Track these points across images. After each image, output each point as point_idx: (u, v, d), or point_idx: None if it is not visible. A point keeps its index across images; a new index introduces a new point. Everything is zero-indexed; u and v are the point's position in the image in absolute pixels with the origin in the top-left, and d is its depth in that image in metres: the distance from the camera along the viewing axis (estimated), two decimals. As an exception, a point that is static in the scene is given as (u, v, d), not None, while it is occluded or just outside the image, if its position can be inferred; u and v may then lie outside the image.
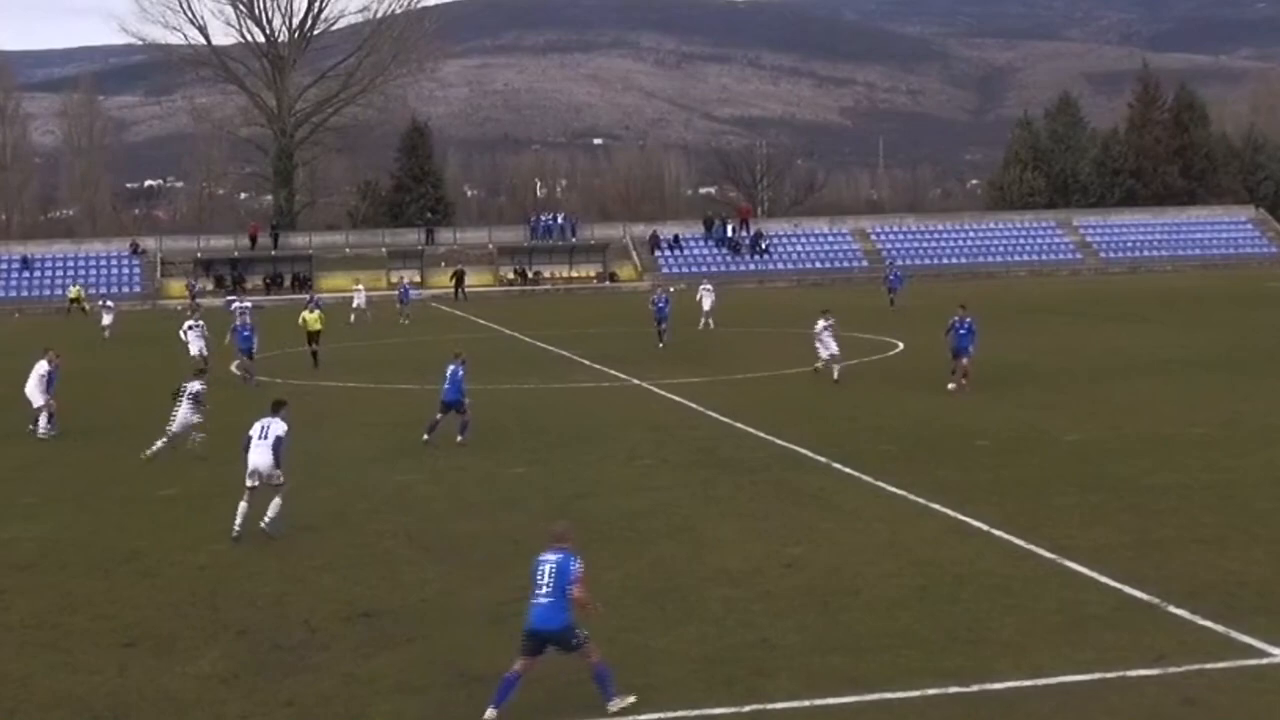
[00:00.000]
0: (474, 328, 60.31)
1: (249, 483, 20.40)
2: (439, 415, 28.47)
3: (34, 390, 30.85)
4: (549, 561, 13.21)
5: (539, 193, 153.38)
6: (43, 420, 30.79)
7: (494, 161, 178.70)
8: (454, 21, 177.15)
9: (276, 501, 20.32)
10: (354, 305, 67.34)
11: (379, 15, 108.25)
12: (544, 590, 13.09)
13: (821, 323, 36.78)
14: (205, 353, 41.23)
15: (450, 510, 22.37)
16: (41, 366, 30.81)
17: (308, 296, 54.16)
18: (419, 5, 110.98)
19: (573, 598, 13.05)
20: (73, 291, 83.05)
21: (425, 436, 28.48)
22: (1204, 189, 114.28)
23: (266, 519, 20.19)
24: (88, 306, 79.54)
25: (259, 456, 20.33)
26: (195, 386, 27.43)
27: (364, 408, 35.00)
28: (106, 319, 61.43)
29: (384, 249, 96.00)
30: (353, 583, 17.88)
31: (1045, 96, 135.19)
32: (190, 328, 43.31)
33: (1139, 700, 12.96)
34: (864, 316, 57.62)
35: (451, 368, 28.48)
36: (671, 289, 55.68)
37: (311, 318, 45.12)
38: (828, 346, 36.55)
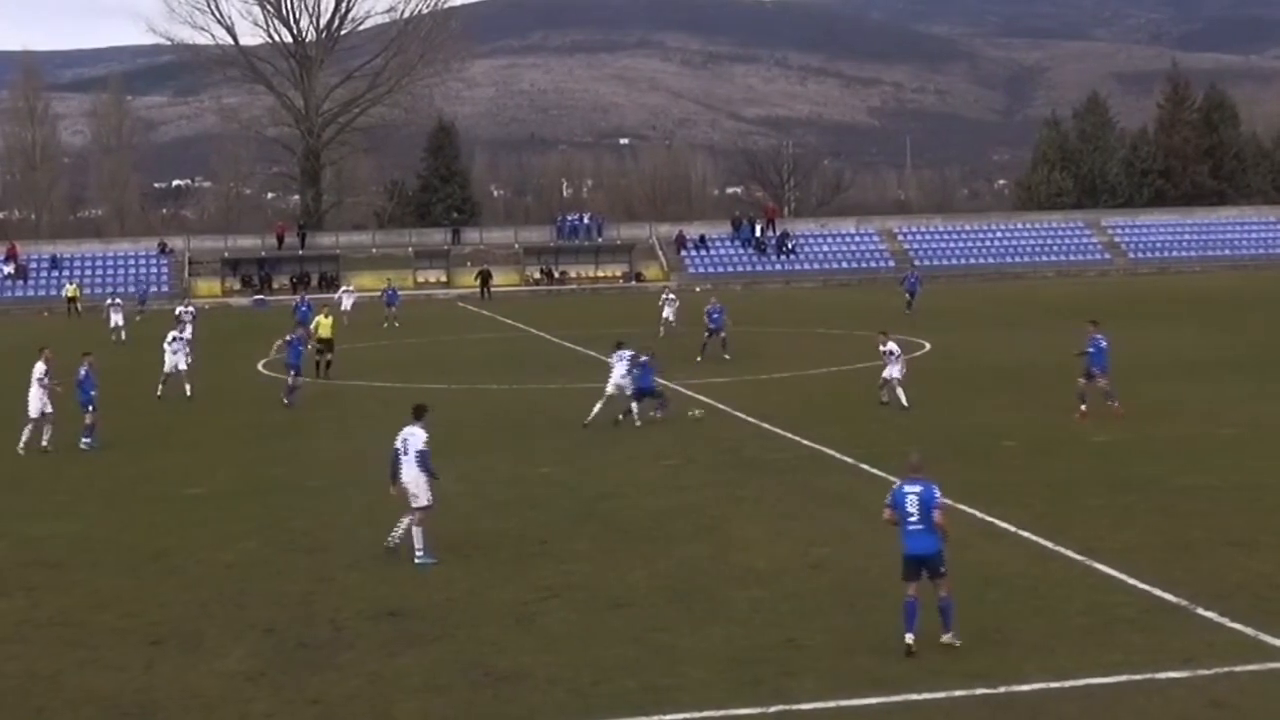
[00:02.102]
0: (500, 327, 60.36)
1: (410, 501, 19.20)
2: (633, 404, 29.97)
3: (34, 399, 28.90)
4: (913, 492, 14.66)
5: (565, 193, 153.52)
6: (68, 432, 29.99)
7: (520, 161, 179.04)
8: (480, 21, 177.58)
9: (416, 530, 18.91)
10: (341, 308, 65.43)
11: (406, 15, 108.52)
12: (914, 519, 14.61)
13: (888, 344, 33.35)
14: (181, 368, 38.63)
15: (476, 510, 22.40)
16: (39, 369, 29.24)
17: (336, 297, 51.67)
18: (446, 5, 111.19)
19: (936, 522, 14.48)
20: (69, 290, 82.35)
21: (621, 417, 29.96)
22: (1234, 189, 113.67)
23: (393, 539, 19.21)
24: (81, 307, 78.68)
25: (406, 473, 19.07)
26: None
27: (391, 407, 35.02)
28: (116, 319, 59.17)
29: (410, 249, 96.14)
30: (379, 581, 17.91)
31: (1074, 96, 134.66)
32: (174, 339, 40.72)
33: (1166, 703, 12.90)
34: (889, 318, 57.44)
35: (642, 359, 30.48)
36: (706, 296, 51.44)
37: (325, 323, 42.92)
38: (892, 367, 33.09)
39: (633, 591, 17.09)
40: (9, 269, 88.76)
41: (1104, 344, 30.27)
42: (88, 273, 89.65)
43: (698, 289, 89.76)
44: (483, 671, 14.28)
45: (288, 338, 36.60)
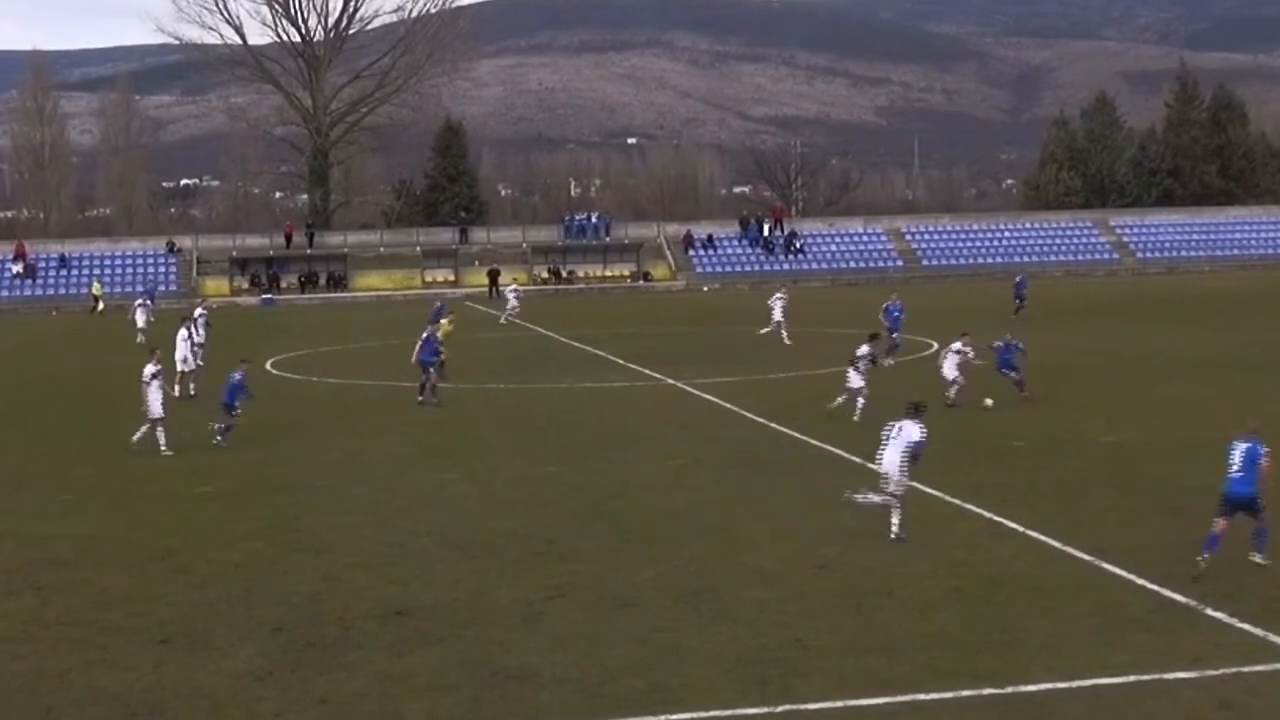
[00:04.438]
0: (508, 327, 60.37)
1: (870, 489, 19.64)
2: None
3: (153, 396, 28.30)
4: (1241, 446, 17.41)
5: (573, 192, 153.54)
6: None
7: (528, 161, 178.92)
8: (488, 21, 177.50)
9: (894, 512, 19.18)
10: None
11: (414, 15, 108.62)
12: (1236, 467, 17.30)
13: (956, 345, 32.47)
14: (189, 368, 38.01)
15: (484, 509, 22.40)
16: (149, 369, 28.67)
17: (438, 305, 47.84)
18: (453, 5, 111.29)
19: (1263, 468, 17.16)
20: (95, 288, 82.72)
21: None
22: (1242, 189, 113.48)
23: (893, 529, 19.20)
24: (103, 305, 79.00)
25: (887, 456, 19.41)
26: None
27: (400, 407, 35.07)
28: (141, 319, 57.04)
29: (418, 248, 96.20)
30: (387, 581, 17.92)
31: (1082, 96, 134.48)
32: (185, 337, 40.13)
33: (1174, 703, 12.88)
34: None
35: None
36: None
37: (448, 327, 41.55)
38: (951, 371, 32.26)
39: (640, 591, 17.09)
40: (17, 268, 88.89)
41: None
42: (95, 272, 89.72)
43: (705, 289, 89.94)
44: (490, 671, 14.28)
45: (424, 336, 35.51)
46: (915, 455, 19.41)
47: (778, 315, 49.32)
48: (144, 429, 28.20)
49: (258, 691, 13.96)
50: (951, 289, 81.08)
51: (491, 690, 13.75)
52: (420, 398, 34.56)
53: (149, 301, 60.81)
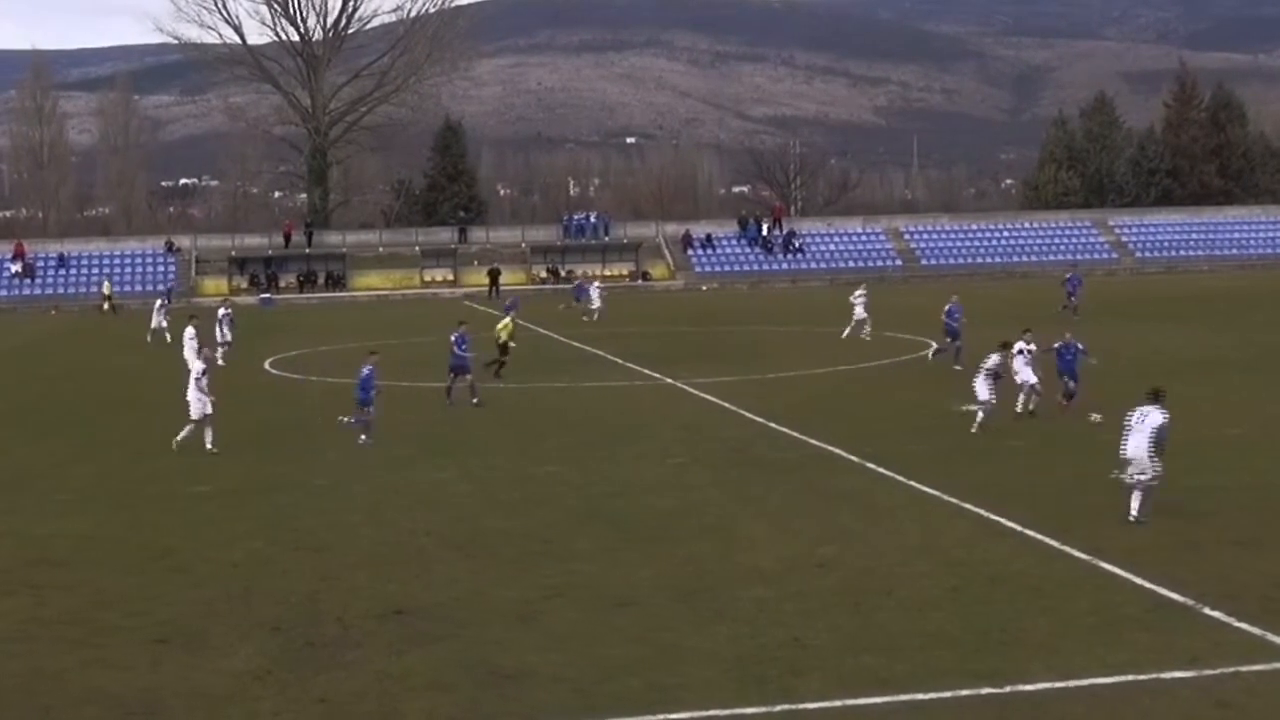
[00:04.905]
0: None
1: (1128, 473, 19.89)
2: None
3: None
4: None
5: (572, 191, 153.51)
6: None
7: (527, 160, 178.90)
8: (487, 20, 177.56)
9: (1138, 495, 19.62)
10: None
11: (413, 14, 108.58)
12: None
13: (1020, 345, 30.39)
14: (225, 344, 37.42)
15: (483, 508, 22.40)
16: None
17: (509, 302, 46.29)
18: (453, 4, 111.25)
19: None
20: (105, 288, 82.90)
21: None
22: (1241, 189, 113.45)
23: (1132, 513, 19.68)
24: (116, 305, 79.26)
25: (1134, 443, 19.71)
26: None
27: (398, 406, 35.06)
28: (157, 320, 55.01)
29: (417, 248, 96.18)
30: (385, 580, 17.92)
31: (1081, 96, 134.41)
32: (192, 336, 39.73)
33: (1172, 703, 12.88)
34: (897, 316, 57.46)
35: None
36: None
37: (507, 327, 40.55)
38: (1021, 374, 30.10)
39: (637, 590, 17.09)
40: (16, 268, 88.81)
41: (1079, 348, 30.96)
42: (94, 271, 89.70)
43: (704, 288, 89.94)
44: (488, 670, 14.28)
45: (454, 336, 34.82)
46: (1160, 441, 19.58)
47: (860, 313, 48.63)
48: (189, 428, 28.07)
49: (256, 691, 13.96)
50: (950, 289, 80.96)
51: (489, 689, 13.75)
52: (449, 401, 34.23)
53: (167, 301, 60.65)
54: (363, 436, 28.76)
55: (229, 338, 44.32)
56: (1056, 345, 30.89)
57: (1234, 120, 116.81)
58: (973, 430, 27.68)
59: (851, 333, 48.37)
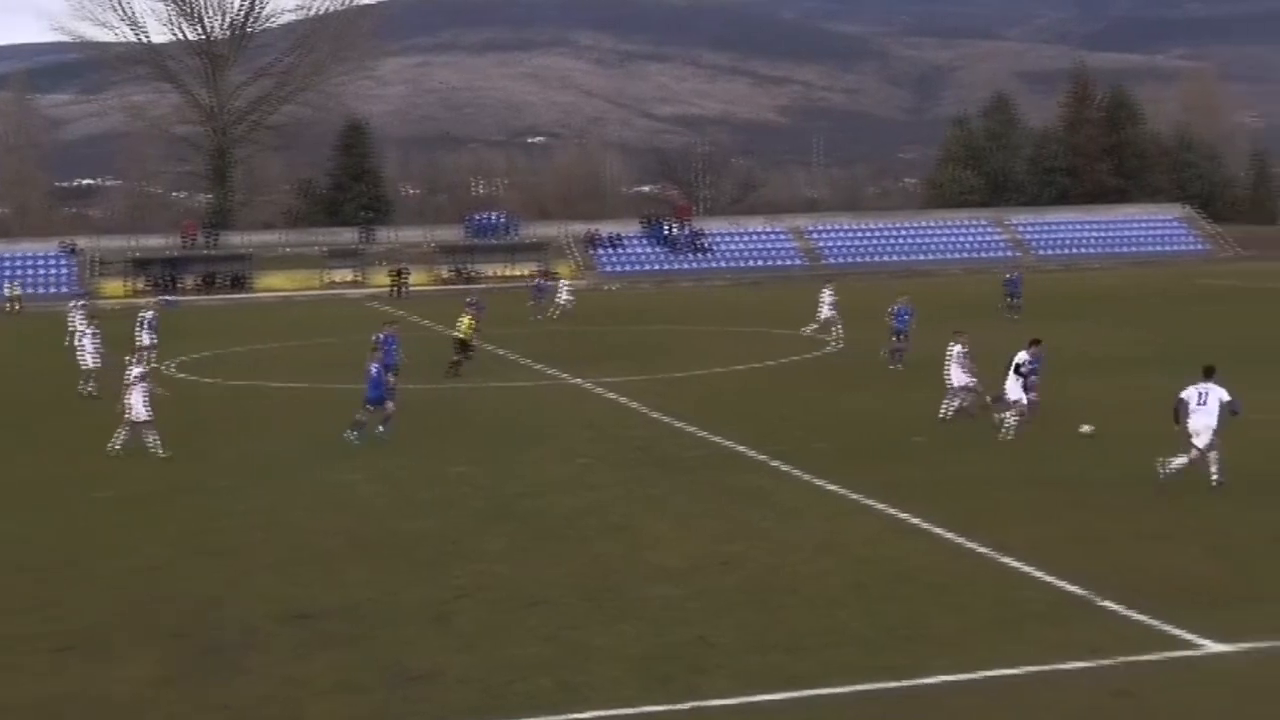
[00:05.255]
0: (412, 327, 60.03)
1: (1195, 443, 21.56)
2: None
3: None
4: None
5: (478, 191, 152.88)
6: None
7: (432, 160, 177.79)
8: (392, 19, 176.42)
9: (1215, 455, 21.54)
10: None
11: (316, 13, 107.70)
12: None
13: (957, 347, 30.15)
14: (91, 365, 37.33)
15: (391, 509, 22.31)
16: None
17: (471, 300, 46.66)
18: (356, 3, 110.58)
19: None
20: (11, 289, 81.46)
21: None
22: (1136, 187, 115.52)
23: (1214, 475, 21.49)
24: (19, 306, 78.32)
25: (1202, 420, 21.52)
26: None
27: (304, 409, 34.82)
28: (77, 323, 50.07)
29: (322, 248, 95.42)
30: (291, 583, 17.80)
31: (981, 95, 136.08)
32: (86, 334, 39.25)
33: (1071, 693, 13.12)
34: (803, 315, 57.88)
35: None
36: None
37: (466, 322, 40.95)
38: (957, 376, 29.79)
39: (546, 590, 17.12)
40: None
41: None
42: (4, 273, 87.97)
43: (608, 288, 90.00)
44: (396, 672, 14.24)
45: (380, 336, 34.18)
46: (1236, 411, 21.63)
47: (827, 312, 48.25)
48: (124, 432, 27.58)
49: (158, 698, 13.82)
50: (852, 286, 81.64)
51: (397, 691, 13.72)
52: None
53: (82, 304, 59.27)
54: (354, 434, 28.56)
55: (146, 342, 43.55)
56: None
57: (1129, 120, 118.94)
58: (1005, 435, 26.72)
59: (818, 330, 48.25)
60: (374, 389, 28.84)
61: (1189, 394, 21.72)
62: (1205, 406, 21.54)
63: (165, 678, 14.36)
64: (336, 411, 33.67)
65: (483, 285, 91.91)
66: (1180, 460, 21.66)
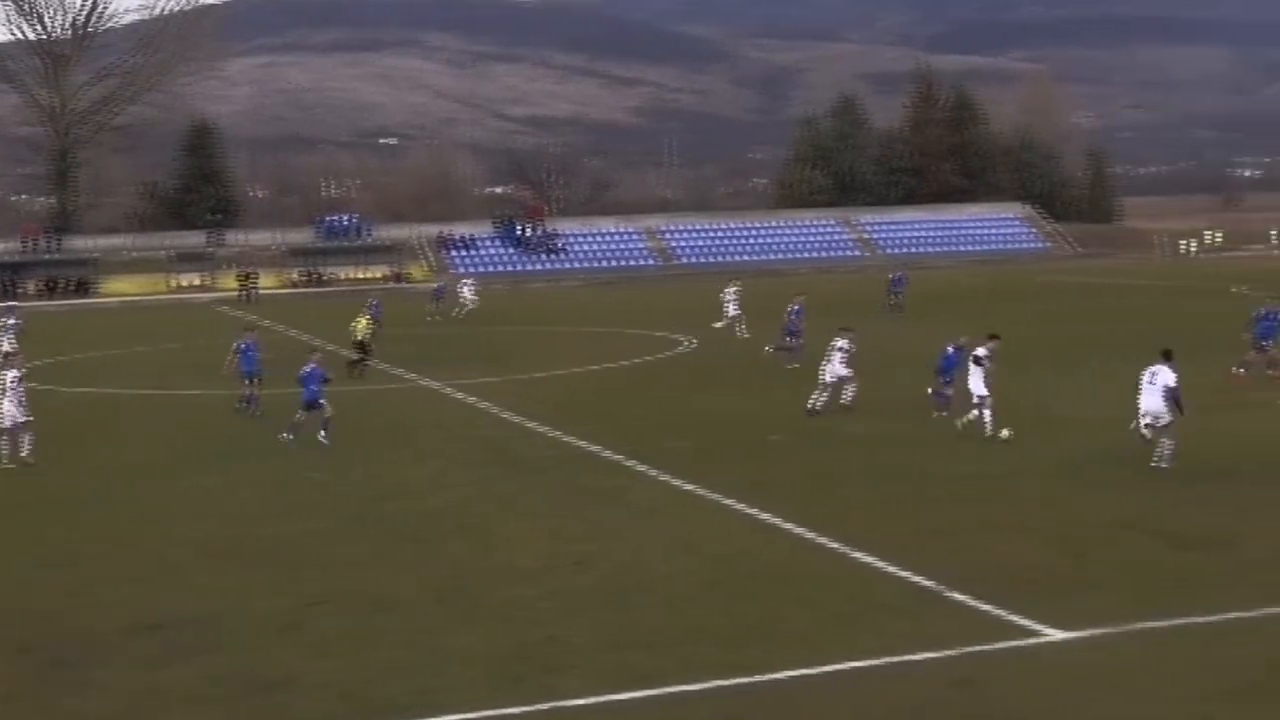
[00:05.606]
0: (261, 331, 59.21)
1: (1142, 422, 22.99)
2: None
3: None
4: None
5: (329, 192, 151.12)
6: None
7: (282, 161, 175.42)
8: (237, 19, 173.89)
9: (1166, 441, 22.56)
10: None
11: (160, 12, 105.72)
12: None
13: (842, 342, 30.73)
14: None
15: (244, 516, 22.05)
16: None
17: (371, 302, 48.14)
18: (200, 3, 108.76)
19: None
20: None
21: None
22: (979, 186, 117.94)
23: (1161, 456, 22.62)
24: None
25: (1149, 401, 22.76)
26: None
27: (156, 415, 34.24)
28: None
29: (169, 251, 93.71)
30: (141, 594, 17.53)
31: (828, 96, 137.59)
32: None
33: (917, 684, 13.44)
34: (656, 315, 58.27)
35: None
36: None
37: (362, 324, 41.20)
38: (835, 370, 30.39)
39: (401, 594, 17.08)
40: None
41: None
42: None
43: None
44: (250, 681, 14.11)
45: (239, 345, 33.35)
46: (1175, 397, 22.45)
47: (733, 310, 48.30)
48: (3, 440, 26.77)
49: (5, 713, 13.54)
50: (705, 286, 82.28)
51: (251, 700, 13.60)
52: (238, 406, 33.05)
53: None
54: (289, 436, 28.28)
55: (7, 348, 42.42)
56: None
57: (971, 120, 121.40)
58: (959, 425, 26.79)
59: (725, 327, 48.17)
60: (309, 391, 28.38)
61: (1144, 374, 23.06)
62: (1153, 386, 22.82)
63: (10, 693, 14.07)
64: (189, 417, 33.21)
65: (335, 288, 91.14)
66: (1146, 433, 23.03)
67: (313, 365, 28.87)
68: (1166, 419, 22.63)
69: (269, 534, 20.67)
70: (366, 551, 19.39)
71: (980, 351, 27.13)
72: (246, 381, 33.01)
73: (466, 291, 63.66)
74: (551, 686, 13.55)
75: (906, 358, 38.38)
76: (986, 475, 23.17)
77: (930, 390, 29.72)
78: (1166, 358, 23.03)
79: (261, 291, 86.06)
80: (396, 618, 16.11)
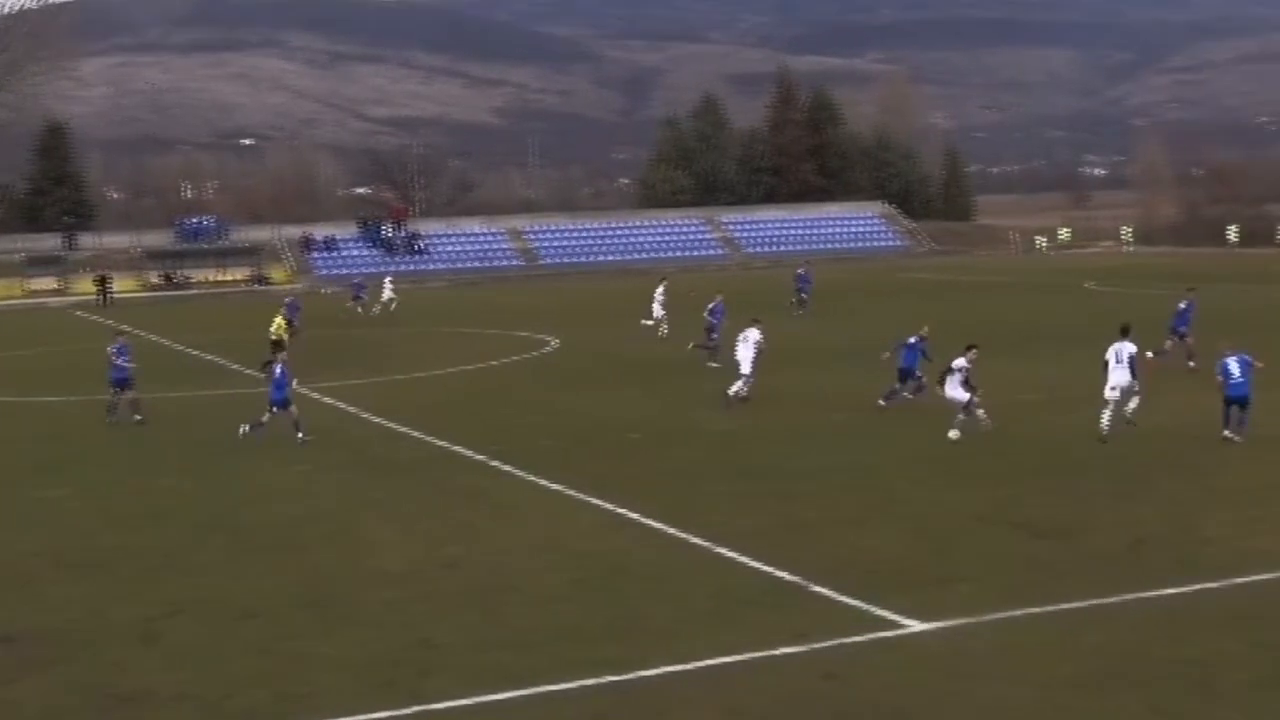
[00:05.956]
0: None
1: (1108, 396, 24.74)
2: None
3: None
4: (1233, 359, 24.04)
5: (187, 194, 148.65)
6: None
7: (138, 163, 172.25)
8: (94, 17, 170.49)
9: (1134, 403, 25.10)
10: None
11: (10, 9, 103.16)
12: (1237, 375, 23.92)
13: (755, 333, 31.87)
14: None
15: (98, 525, 21.58)
16: None
17: (288, 301, 48.73)
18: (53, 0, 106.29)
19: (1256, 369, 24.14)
20: None
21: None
22: (838, 186, 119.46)
23: (1129, 412, 25.00)
24: None
25: (1119, 375, 24.79)
26: None
27: (10, 422, 33.36)
28: None
29: (21, 255, 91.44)
30: (-9, 606, 17.07)
31: (690, 97, 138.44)
32: None
33: (783, 678, 13.53)
34: (521, 316, 58.17)
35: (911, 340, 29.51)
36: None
37: (280, 323, 41.52)
38: (744, 364, 31.42)
39: (263, 601, 16.83)
40: None
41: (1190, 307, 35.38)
42: None
43: (325, 291, 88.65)
44: (105, 693, 13.80)
45: (113, 347, 32.29)
46: (1134, 365, 24.66)
47: (658, 310, 47.76)
48: None
49: None
50: (569, 286, 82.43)
51: (108, 714, 13.31)
52: (110, 418, 31.92)
53: None
54: (246, 428, 27.89)
55: None
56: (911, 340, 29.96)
57: (830, 121, 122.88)
58: (952, 436, 25.45)
59: (656, 324, 47.57)
60: (278, 390, 27.86)
61: (1109, 353, 24.57)
62: (1120, 363, 24.71)
63: None
64: (43, 425, 32.40)
65: (195, 291, 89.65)
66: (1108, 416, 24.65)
67: (280, 366, 28.38)
68: (1134, 386, 24.82)
69: (124, 543, 20.24)
70: (225, 559, 19.08)
71: (959, 362, 26.10)
72: (114, 389, 32.14)
73: (388, 290, 63.43)
74: (421, 690, 13.45)
75: (793, 355, 38.66)
76: (847, 468, 23.46)
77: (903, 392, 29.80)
78: (1125, 333, 25.20)
79: (118, 295, 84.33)
80: (259, 626, 15.86)
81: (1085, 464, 23.06)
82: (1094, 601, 15.41)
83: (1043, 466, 22.91)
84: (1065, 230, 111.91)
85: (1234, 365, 24.08)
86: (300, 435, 27.76)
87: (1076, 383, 30.95)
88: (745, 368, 31.19)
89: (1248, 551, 17.30)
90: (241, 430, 27.94)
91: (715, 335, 39.08)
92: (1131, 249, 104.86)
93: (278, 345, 39.70)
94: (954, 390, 26.05)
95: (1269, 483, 21.26)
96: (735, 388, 31.07)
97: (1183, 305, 35.33)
